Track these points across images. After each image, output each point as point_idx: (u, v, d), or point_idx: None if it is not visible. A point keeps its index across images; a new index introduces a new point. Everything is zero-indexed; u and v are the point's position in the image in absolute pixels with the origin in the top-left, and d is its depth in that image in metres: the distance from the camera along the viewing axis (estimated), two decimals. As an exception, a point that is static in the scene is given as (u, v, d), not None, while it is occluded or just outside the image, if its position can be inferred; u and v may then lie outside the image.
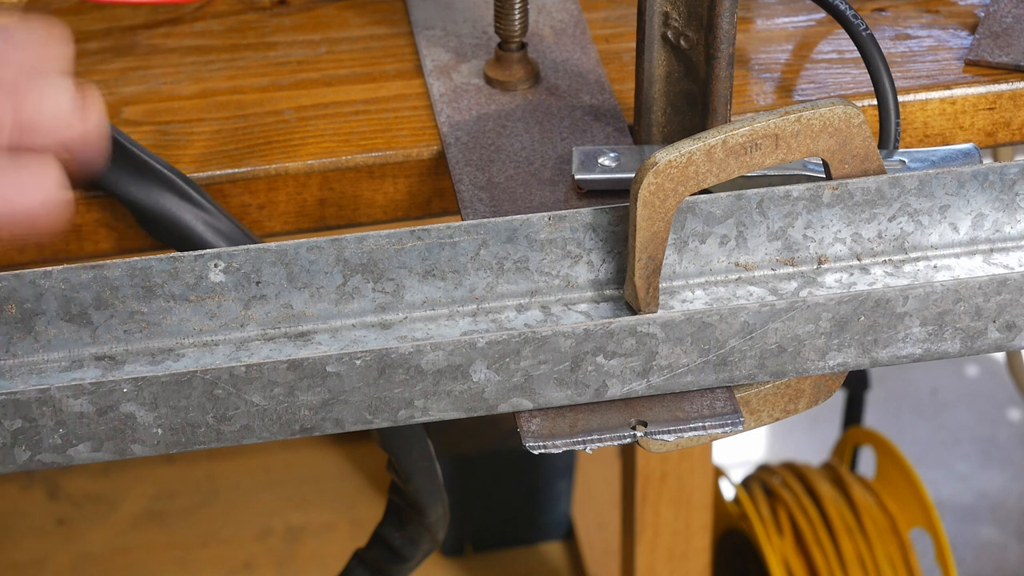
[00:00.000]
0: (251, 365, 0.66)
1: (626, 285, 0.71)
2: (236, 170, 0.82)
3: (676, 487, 1.46)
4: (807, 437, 2.18)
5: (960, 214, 0.74)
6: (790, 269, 0.74)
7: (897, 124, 0.81)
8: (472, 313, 0.72)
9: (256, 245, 0.70)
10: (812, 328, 0.69)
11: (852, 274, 0.74)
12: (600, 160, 0.78)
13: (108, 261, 0.69)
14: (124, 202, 0.78)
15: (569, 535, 1.79)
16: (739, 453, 2.17)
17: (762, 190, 0.72)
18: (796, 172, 0.76)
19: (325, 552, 1.75)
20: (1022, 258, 0.74)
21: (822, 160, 0.72)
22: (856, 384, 1.80)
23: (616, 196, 0.78)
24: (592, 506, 1.76)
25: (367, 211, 0.84)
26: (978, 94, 0.86)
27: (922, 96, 0.85)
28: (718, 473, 1.61)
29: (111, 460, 0.68)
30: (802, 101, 0.86)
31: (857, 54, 0.83)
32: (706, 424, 0.69)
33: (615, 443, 0.68)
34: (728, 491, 1.64)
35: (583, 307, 0.72)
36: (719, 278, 0.74)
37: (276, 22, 0.92)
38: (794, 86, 0.87)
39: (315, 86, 0.87)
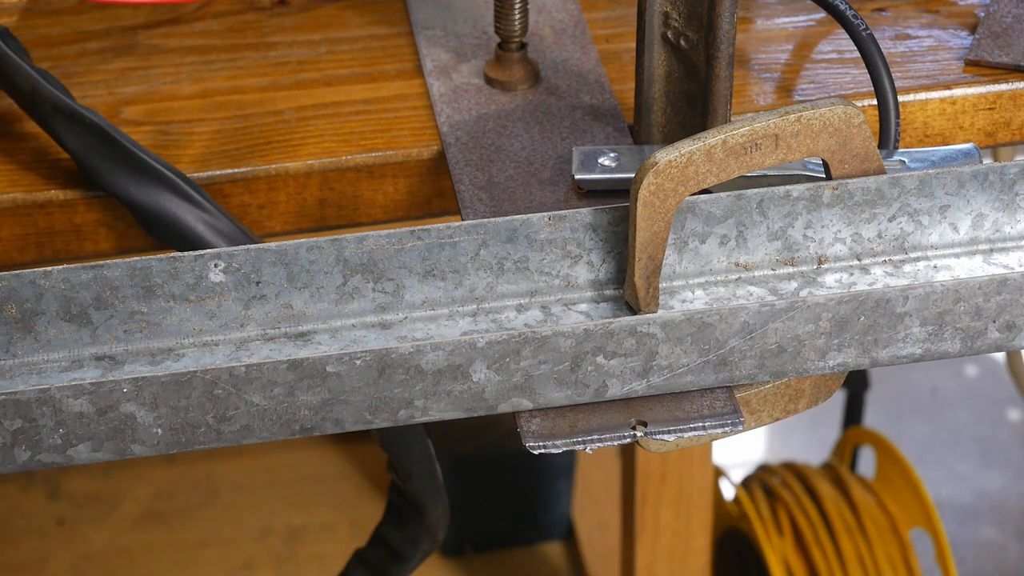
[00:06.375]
0: (251, 365, 0.66)
1: (626, 285, 0.71)
2: (236, 170, 0.82)
3: (676, 487, 1.46)
4: (807, 437, 2.18)
5: (960, 214, 0.74)
6: (790, 269, 0.74)
7: (897, 124, 0.81)
8: (472, 313, 0.72)
9: (256, 245, 0.70)
10: (812, 328, 0.69)
11: (852, 274, 0.74)
12: (600, 160, 0.78)
13: (108, 261, 0.69)
14: (124, 202, 0.78)
15: (569, 535, 1.79)
16: (739, 453, 2.17)
17: (762, 190, 0.72)
18: (796, 172, 0.76)
19: (325, 552, 1.75)
20: (1022, 258, 0.74)
21: (822, 160, 0.72)
22: (856, 384, 1.80)
23: (616, 196, 0.78)
24: (592, 506, 1.76)
25: (367, 211, 0.84)
26: (978, 94, 0.86)
27: (922, 96, 0.85)
28: (718, 473, 1.61)
29: (111, 460, 0.68)
30: (802, 101, 0.86)
31: (857, 54, 0.83)
32: (706, 424, 0.69)
33: (615, 443, 0.68)
34: (728, 491, 1.64)
35: (583, 307, 0.72)
36: (719, 278, 0.73)
37: (276, 22, 0.92)
38: (794, 86, 0.87)
39: (315, 86, 0.87)
